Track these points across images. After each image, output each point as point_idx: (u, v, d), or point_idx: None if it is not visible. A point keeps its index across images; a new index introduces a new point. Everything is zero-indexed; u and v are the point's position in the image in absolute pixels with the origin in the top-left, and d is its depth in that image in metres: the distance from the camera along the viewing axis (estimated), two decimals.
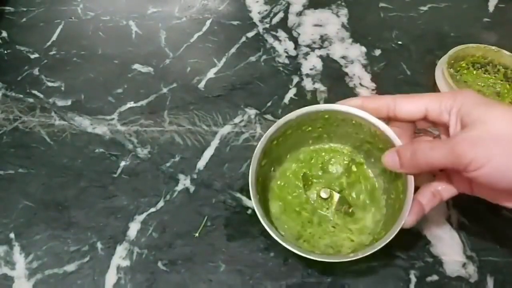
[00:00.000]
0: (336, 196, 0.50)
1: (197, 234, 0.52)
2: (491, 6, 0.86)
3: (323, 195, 0.50)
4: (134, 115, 0.64)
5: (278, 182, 0.52)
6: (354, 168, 0.52)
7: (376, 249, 0.42)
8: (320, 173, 0.52)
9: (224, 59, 0.73)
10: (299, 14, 0.83)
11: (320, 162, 0.53)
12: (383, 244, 0.42)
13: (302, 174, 0.52)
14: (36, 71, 0.70)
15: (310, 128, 0.51)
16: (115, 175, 0.57)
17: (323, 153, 0.53)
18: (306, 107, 0.49)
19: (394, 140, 0.46)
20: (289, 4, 0.85)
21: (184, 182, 0.56)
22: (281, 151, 0.52)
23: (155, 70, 0.71)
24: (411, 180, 0.44)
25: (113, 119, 0.64)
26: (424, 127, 0.48)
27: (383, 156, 0.44)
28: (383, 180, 0.51)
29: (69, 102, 0.66)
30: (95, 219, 0.53)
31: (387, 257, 0.50)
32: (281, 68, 0.72)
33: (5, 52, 0.73)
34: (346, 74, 0.72)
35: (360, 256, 0.42)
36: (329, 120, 0.50)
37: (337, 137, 0.53)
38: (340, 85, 0.69)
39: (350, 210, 0.49)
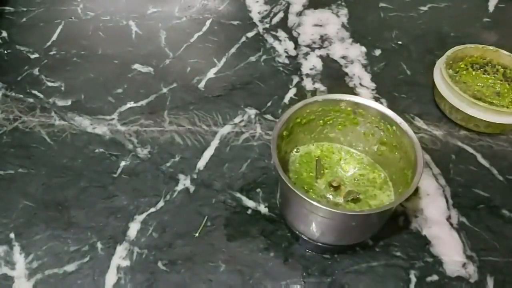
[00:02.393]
0: (346, 188, 0.51)
1: (197, 234, 0.52)
2: (491, 6, 0.86)
3: (334, 183, 0.50)
4: (134, 115, 0.64)
5: (300, 159, 0.54)
6: (364, 171, 0.53)
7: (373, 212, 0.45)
8: (335, 169, 0.54)
9: (224, 59, 0.73)
10: (299, 14, 0.83)
11: (338, 158, 0.54)
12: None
13: (316, 159, 0.53)
14: (36, 71, 0.70)
15: (331, 121, 0.54)
16: (115, 175, 0.57)
17: (342, 152, 0.55)
18: (331, 94, 0.53)
19: (413, 137, 0.48)
20: (289, 4, 0.85)
21: (184, 182, 0.56)
22: (304, 132, 0.54)
23: (155, 70, 0.71)
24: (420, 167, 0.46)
25: (113, 119, 0.64)
26: None
27: None
28: (391, 174, 0.52)
29: (69, 102, 0.66)
30: (95, 219, 0.53)
31: (387, 257, 0.50)
32: (281, 68, 0.72)
33: (5, 52, 0.73)
34: (346, 74, 0.72)
35: (367, 212, 0.45)
36: (349, 115, 0.53)
37: (353, 139, 0.55)
38: (340, 85, 0.69)
39: (358, 196, 0.50)
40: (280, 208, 0.53)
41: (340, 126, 0.54)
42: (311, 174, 0.52)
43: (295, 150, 0.54)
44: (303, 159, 0.54)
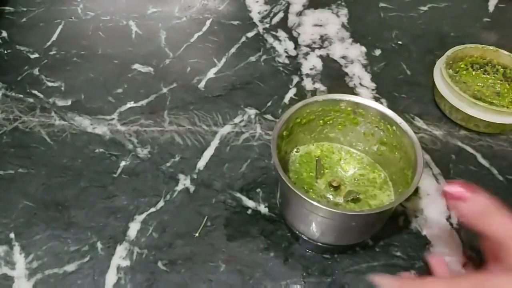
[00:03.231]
0: (346, 188, 0.51)
1: (197, 234, 0.52)
2: (491, 6, 0.86)
3: (334, 183, 0.50)
4: (134, 115, 0.64)
5: (300, 159, 0.54)
6: (364, 171, 0.53)
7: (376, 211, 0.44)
8: (335, 169, 0.54)
9: (224, 59, 0.73)
10: (299, 14, 0.83)
11: (338, 158, 0.54)
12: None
13: (316, 159, 0.53)
14: (36, 71, 0.70)
15: (331, 122, 0.54)
16: (115, 175, 0.57)
17: (342, 152, 0.55)
18: (331, 94, 0.53)
19: (413, 137, 0.48)
20: (289, 4, 0.85)
21: (184, 182, 0.56)
22: (304, 132, 0.54)
23: (155, 70, 0.71)
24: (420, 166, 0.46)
25: (113, 119, 0.64)
26: None
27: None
28: (391, 175, 0.52)
29: (69, 102, 0.66)
30: (95, 219, 0.53)
31: (387, 257, 0.50)
32: (281, 68, 0.72)
33: (5, 52, 0.73)
34: (346, 74, 0.72)
35: (367, 212, 0.44)
36: (349, 115, 0.53)
37: (353, 139, 0.55)
38: (340, 85, 0.69)
39: (358, 196, 0.50)
40: (280, 208, 0.53)
41: (340, 126, 0.54)
42: (311, 174, 0.52)
43: (295, 150, 0.54)
44: (303, 159, 0.54)
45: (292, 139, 0.53)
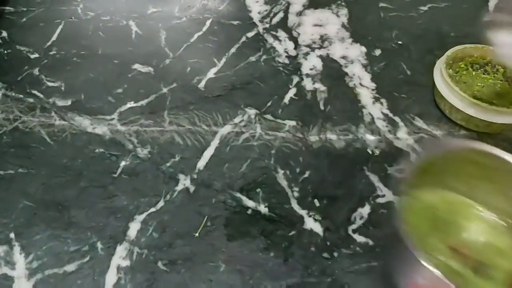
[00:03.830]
0: (472, 256, 0.43)
1: (197, 234, 0.52)
2: (491, 6, 0.86)
3: (458, 248, 0.44)
4: (134, 115, 0.64)
5: (419, 207, 0.47)
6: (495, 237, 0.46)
7: None
8: (459, 228, 0.46)
9: (224, 59, 0.73)
10: (299, 14, 0.83)
11: (466, 216, 0.47)
12: None
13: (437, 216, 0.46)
14: (36, 71, 0.70)
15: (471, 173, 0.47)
16: (115, 175, 0.57)
17: (473, 210, 0.48)
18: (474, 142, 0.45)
19: None
20: (289, 4, 0.85)
21: (184, 182, 0.56)
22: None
23: (155, 70, 0.71)
24: None
25: (113, 119, 0.64)
26: None
27: None
28: None
29: (69, 102, 0.66)
30: (95, 219, 0.53)
31: (387, 257, 0.50)
32: (281, 68, 0.72)
33: (5, 52, 0.73)
34: (346, 74, 0.72)
35: None
36: (487, 169, 0.46)
37: (486, 196, 0.48)
38: (340, 85, 0.69)
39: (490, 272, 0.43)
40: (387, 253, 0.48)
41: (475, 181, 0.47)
42: (426, 226, 0.46)
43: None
44: (421, 209, 0.47)
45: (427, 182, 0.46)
